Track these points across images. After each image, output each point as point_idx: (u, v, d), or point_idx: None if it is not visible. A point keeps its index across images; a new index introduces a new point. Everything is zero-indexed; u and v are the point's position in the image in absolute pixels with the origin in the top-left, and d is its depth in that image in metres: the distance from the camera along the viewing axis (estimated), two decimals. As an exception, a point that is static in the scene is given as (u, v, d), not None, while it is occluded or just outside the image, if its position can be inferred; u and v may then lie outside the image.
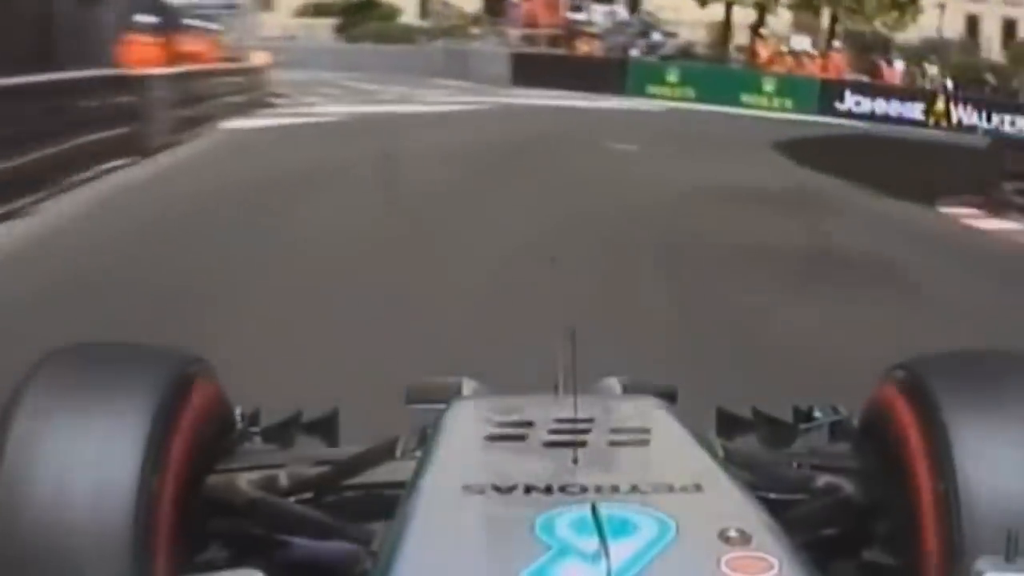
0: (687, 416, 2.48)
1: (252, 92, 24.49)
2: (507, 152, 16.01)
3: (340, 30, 50.59)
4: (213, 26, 22.94)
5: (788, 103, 31.83)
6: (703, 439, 2.44)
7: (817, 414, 2.97)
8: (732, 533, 1.80)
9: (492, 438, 2.32)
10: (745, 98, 32.24)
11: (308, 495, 2.69)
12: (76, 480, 2.11)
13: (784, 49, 32.87)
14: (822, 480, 2.64)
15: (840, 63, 31.21)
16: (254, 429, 2.88)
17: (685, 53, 35.27)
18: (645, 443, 2.31)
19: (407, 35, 46.50)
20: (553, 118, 23.79)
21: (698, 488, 2.03)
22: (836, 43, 33.67)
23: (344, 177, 13.32)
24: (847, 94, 31.54)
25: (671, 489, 2.01)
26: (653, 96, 32.94)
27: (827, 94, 31.52)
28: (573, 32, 37.36)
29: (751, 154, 18.99)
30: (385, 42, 44.48)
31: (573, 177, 13.81)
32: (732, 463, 2.39)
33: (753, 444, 2.94)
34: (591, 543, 1.73)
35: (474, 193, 12.44)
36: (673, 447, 2.33)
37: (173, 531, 2.17)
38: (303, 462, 2.80)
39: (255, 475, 2.64)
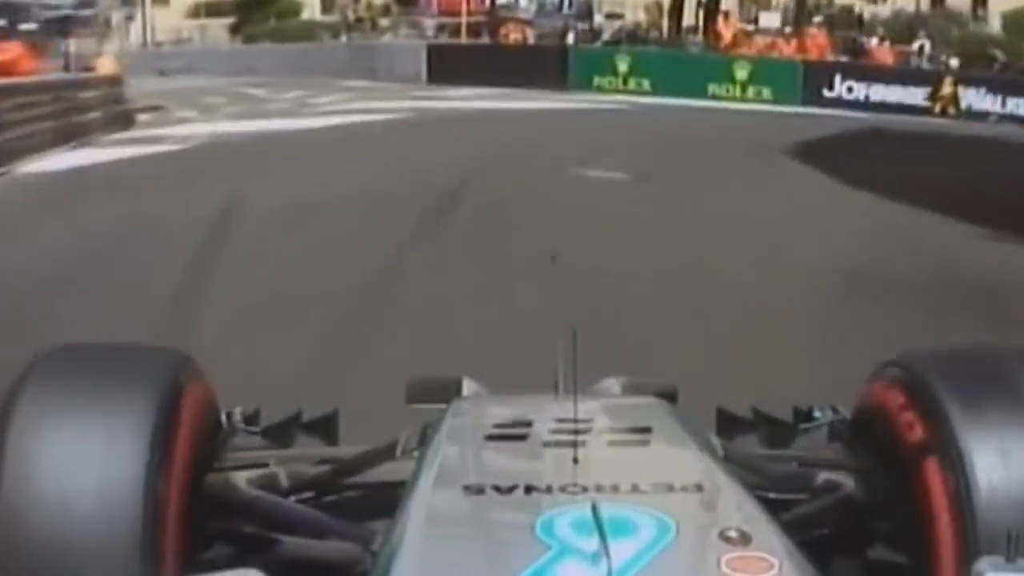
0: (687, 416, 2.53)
1: (100, 111, 19.71)
2: (426, 205, 9.86)
3: (235, 30, 48.25)
4: (28, 26, 16.88)
5: (766, 92, 28.20)
6: (703, 439, 2.55)
7: (817, 414, 3.02)
8: (732, 533, 1.85)
9: (492, 438, 2.40)
10: (713, 88, 28.61)
11: (308, 494, 2.78)
12: (81, 481, 2.18)
13: (751, 28, 26.71)
14: (822, 479, 2.74)
15: (823, 42, 25.83)
16: (253, 428, 2.93)
17: (633, 37, 29.16)
18: (645, 443, 2.39)
19: (308, 32, 43.83)
20: (488, 128, 19.53)
21: (698, 488, 2.11)
22: (817, 18, 27.56)
23: (127, 283, 7.81)
24: (836, 79, 27.85)
25: (671, 489, 2.08)
26: (601, 90, 29.52)
27: (812, 79, 27.94)
28: (498, 18, 31.12)
29: (781, 174, 14.39)
30: (284, 40, 41.90)
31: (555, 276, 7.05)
32: (732, 463, 2.49)
33: (753, 444, 3.01)
34: (591, 543, 1.79)
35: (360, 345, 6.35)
36: (673, 447, 2.42)
37: (179, 531, 2.26)
38: (303, 461, 2.89)
39: (255, 474, 2.72)
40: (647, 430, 2.44)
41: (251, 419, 2.95)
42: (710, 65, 29.24)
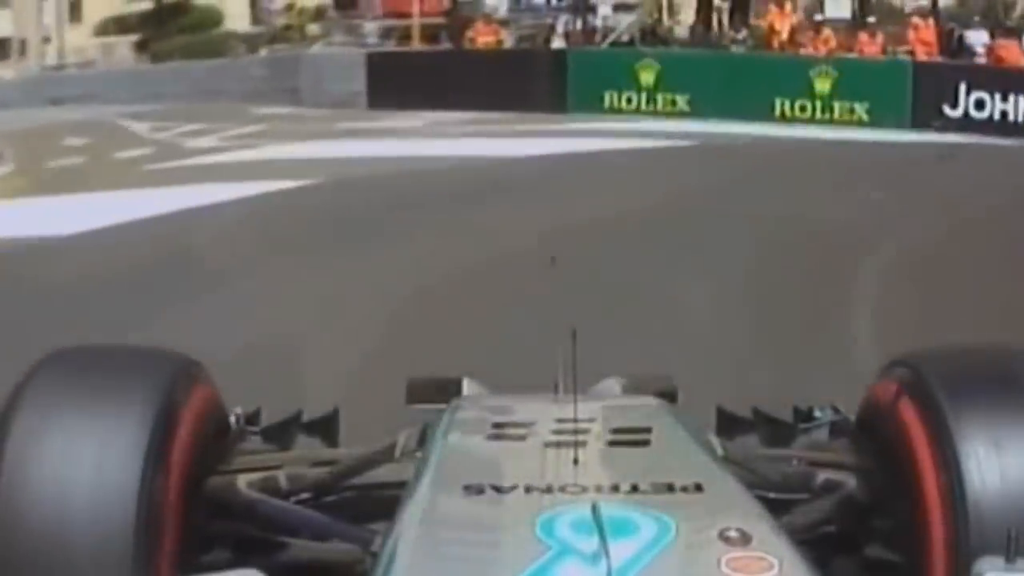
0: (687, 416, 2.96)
1: None
2: None
3: (141, 47, 42.93)
4: None
5: (859, 110, 20.19)
6: (703, 439, 2.72)
7: (817, 414, 3.15)
8: (732, 533, 1.91)
9: (492, 438, 2.53)
10: (783, 105, 20.54)
11: (308, 496, 2.93)
12: (77, 484, 2.35)
13: (819, 18, 18.56)
14: (822, 478, 2.89)
15: (930, 38, 17.50)
16: (253, 429, 3.09)
17: (652, 36, 20.02)
18: (645, 443, 2.51)
19: (223, 46, 38.06)
20: (469, 219, 11.03)
21: (698, 488, 2.21)
22: (922, 2, 19.26)
23: None
24: (960, 89, 19.58)
25: (671, 489, 2.17)
26: (619, 112, 21.62)
27: (926, 90, 19.99)
28: (462, 17, 22.94)
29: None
30: (197, 57, 35.99)
31: None
32: (732, 463, 2.66)
33: (753, 444, 3.13)
34: (591, 543, 1.86)
35: None
36: (673, 447, 2.55)
37: (175, 534, 2.46)
38: (303, 463, 3.03)
39: (255, 476, 2.87)
40: (647, 430, 2.57)
41: (251, 419, 3.10)
42: (774, 72, 22.34)
